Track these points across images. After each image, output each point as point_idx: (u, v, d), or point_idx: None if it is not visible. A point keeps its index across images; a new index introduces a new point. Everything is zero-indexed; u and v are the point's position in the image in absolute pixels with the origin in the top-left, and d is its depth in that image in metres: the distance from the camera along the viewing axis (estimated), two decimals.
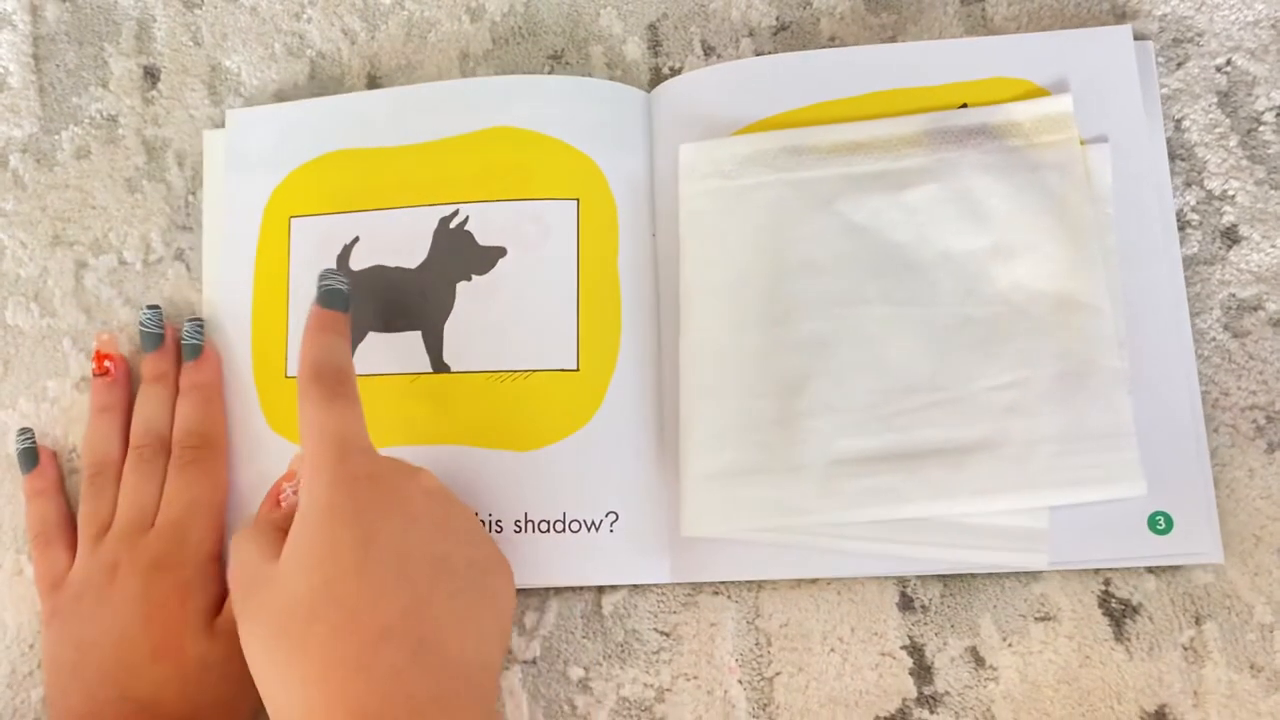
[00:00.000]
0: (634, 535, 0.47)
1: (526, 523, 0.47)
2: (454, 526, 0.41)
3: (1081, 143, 0.47)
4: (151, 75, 0.55)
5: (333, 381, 0.42)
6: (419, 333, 0.49)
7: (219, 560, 0.47)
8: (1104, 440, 0.43)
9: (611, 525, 0.47)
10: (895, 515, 0.44)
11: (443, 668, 0.37)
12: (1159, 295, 0.46)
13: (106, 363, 0.51)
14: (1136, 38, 0.48)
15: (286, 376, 0.50)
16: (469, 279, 0.49)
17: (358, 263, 0.50)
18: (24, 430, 0.51)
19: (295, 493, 0.47)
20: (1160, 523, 0.44)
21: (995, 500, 0.44)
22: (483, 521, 0.47)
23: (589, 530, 0.47)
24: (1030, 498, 0.43)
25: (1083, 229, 0.45)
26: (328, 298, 0.45)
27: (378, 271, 0.50)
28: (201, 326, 0.51)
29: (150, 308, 0.51)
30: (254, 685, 0.47)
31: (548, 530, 0.47)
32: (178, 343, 0.51)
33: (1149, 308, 0.45)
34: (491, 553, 0.41)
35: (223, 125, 0.54)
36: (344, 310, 0.46)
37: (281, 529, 0.41)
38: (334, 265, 0.50)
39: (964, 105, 0.48)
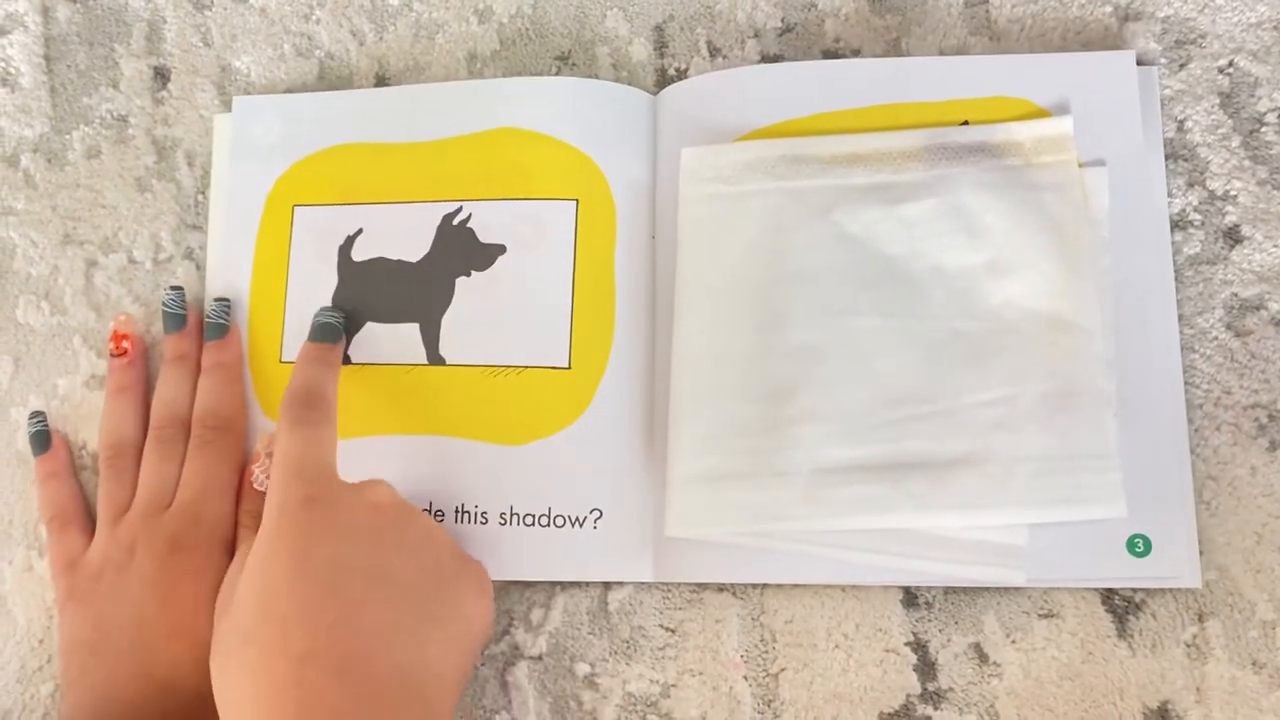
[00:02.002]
0: (618, 533, 0.47)
1: (511, 515, 0.48)
2: (403, 538, 0.41)
3: (1080, 165, 0.47)
4: (162, 76, 0.56)
5: (302, 408, 0.44)
6: (417, 325, 0.50)
7: (231, 544, 0.48)
8: (1087, 460, 0.44)
9: (595, 522, 0.47)
10: (877, 525, 0.44)
11: (372, 680, 0.38)
12: (1149, 320, 0.46)
13: (124, 343, 0.51)
14: (1140, 63, 0.49)
15: (281, 361, 0.51)
16: (468, 275, 0.50)
17: (360, 254, 0.51)
18: (36, 414, 0.52)
19: (265, 475, 0.48)
20: (1139, 545, 0.44)
21: (976, 515, 0.44)
22: (468, 513, 0.48)
23: (573, 526, 0.47)
24: (1011, 514, 0.44)
25: (1077, 250, 0.46)
26: (319, 331, 0.49)
27: (379, 263, 0.51)
28: (228, 307, 0.51)
29: (173, 288, 0.52)
30: None
31: (532, 524, 0.47)
32: (199, 324, 0.52)
33: (1139, 332, 0.46)
34: (452, 561, 0.42)
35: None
36: (334, 342, 0.48)
37: None
38: (336, 255, 0.51)
39: (965, 122, 0.48)
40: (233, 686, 0.38)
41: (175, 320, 0.51)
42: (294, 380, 0.46)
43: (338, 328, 0.49)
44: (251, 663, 0.38)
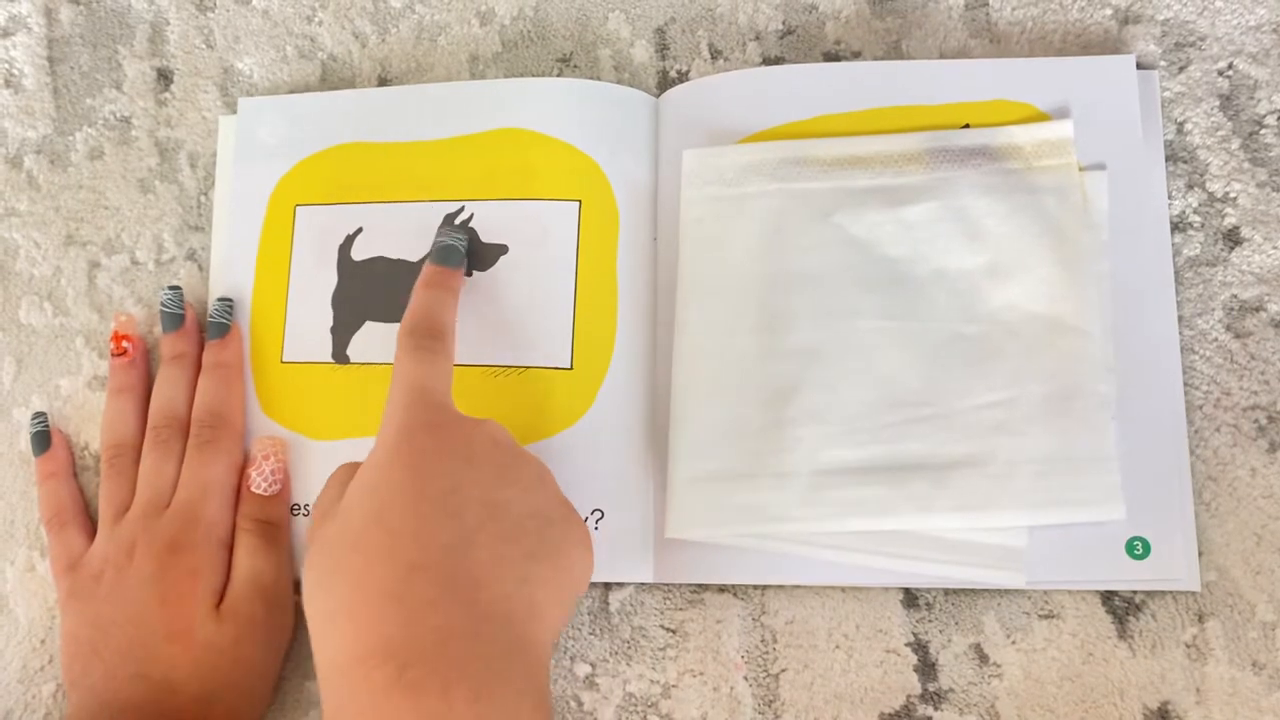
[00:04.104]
0: (619, 534, 0.47)
1: None
2: (518, 476, 0.40)
3: (1080, 169, 0.47)
4: (164, 77, 0.56)
5: (423, 335, 0.43)
6: None
7: (229, 545, 0.48)
8: (1086, 463, 0.44)
9: (597, 523, 0.47)
10: (877, 527, 0.44)
11: (477, 606, 0.37)
12: (1149, 321, 0.46)
13: (125, 343, 0.51)
14: (1140, 65, 0.49)
15: (282, 361, 0.51)
16: (470, 275, 0.50)
17: (359, 253, 0.51)
18: (38, 414, 0.52)
19: (263, 479, 0.48)
20: (1138, 548, 0.44)
21: (976, 517, 0.44)
22: None
23: None
24: (1011, 516, 0.44)
25: (1077, 254, 0.46)
26: (441, 254, 0.47)
27: (379, 262, 0.51)
28: (230, 306, 0.51)
29: (171, 288, 0.52)
30: (268, 672, 0.47)
31: None
32: (197, 323, 0.52)
33: (1139, 335, 0.46)
34: (560, 508, 0.41)
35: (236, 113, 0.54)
36: (457, 267, 0.47)
37: None
38: (337, 254, 0.51)
39: (966, 125, 0.48)
40: (332, 595, 0.37)
41: (172, 319, 0.51)
42: (414, 305, 0.45)
43: (461, 251, 0.48)
44: (357, 569, 0.37)
